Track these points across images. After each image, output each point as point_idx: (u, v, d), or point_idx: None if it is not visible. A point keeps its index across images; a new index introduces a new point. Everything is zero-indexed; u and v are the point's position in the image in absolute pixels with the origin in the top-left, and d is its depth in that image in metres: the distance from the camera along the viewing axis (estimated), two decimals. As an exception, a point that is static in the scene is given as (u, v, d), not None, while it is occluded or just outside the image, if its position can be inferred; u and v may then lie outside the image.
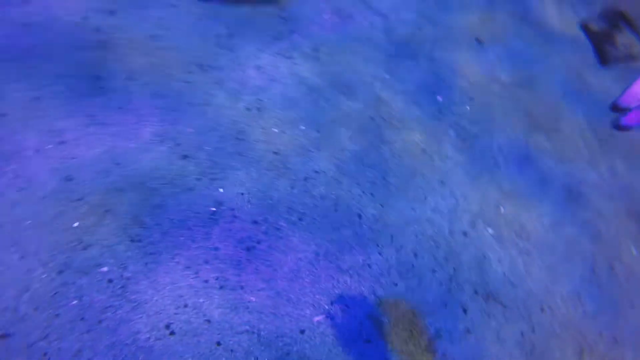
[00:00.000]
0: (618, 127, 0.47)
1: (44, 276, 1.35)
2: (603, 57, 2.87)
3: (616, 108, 0.55)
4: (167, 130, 1.70)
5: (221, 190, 1.62)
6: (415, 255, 1.71)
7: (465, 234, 1.81)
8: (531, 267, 1.81)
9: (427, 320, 1.56)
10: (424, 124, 2.08)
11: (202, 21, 2.07)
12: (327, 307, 1.50)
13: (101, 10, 1.90)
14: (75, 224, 1.44)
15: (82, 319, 1.33)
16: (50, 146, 1.55)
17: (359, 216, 1.74)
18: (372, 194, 1.82)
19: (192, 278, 1.44)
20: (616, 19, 2.96)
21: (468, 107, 2.18)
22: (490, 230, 1.85)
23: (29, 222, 1.42)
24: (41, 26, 1.77)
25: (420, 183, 1.89)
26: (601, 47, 2.89)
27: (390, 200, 1.82)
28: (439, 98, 2.10)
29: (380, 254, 1.68)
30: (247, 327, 1.40)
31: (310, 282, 1.54)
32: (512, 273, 1.76)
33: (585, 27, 3.01)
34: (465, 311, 1.62)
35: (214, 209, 1.58)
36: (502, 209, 1.91)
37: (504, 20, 2.87)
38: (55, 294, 1.34)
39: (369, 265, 1.64)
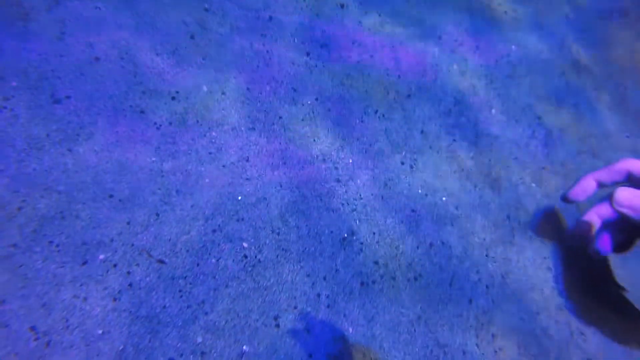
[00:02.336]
0: (595, 252, 0.48)
1: (202, 228, 1.59)
2: None
3: (566, 200, 0.51)
4: (330, 153, 1.91)
5: (358, 222, 1.75)
6: (513, 367, 1.62)
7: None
8: None
9: None
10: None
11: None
12: (413, 373, 1.49)
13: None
14: (239, 197, 1.68)
15: (214, 277, 1.52)
16: (244, 130, 1.86)
17: (470, 301, 1.72)
18: (487, 287, 1.79)
19: (308, 287, 1.56)
20: None
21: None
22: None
23: (207, 180, 1.70)
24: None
25: (531, 302, 1.81)
26: None
27: (504, 300, 1.76)
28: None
29: (477, 345, 1.63)
30: (338, 354, 1.46)
31: (404, 341, 1.56)
32: None
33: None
34: None
35: (346, 235, 1.71)
36: None
37: None
38: (202, 246, 1.57)
39: (464, 352, 1.60)
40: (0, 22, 1.77)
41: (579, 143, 2.31)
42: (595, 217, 0.46)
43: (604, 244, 0.44)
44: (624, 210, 0.42)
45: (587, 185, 0.47)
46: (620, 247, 0.43)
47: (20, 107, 1.61)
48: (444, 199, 1.94)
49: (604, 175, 0.48)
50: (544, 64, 2.57)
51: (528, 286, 1.79)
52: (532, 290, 1.78)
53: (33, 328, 1.28)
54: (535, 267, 1.85)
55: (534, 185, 2.10)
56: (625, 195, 0.42)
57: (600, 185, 0.48)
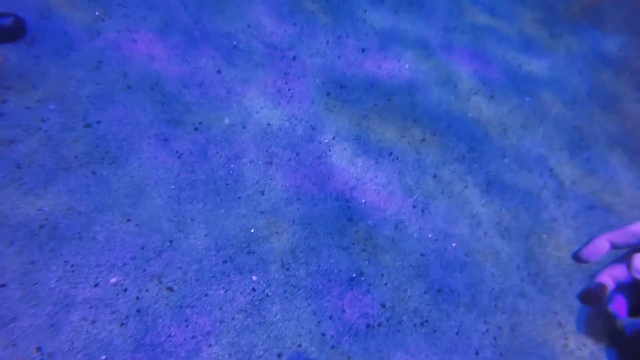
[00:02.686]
0: (610, 315, 0.41)
1: (213, 258, 1.61)
2: None
3: (578, 259, 0.48)
4: (343, 191, 1.95)
5: (367, 262, 1.76)
6: None
7: None
8: None
9: None
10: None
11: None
12: None
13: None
14: (252, 231, 1.71)
15: (221, 309, 1.53)
16: (261, 162, 1.91)
17: (477, 353, 1.68)
18: (494, 338, 1.75)
19: (314, 325, 1.56)
20: None
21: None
22: None
23: (222, 211, 1.73)
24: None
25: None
26: None
27: (512, 354, 1.72)
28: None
29: (483, 404, 1.58)
30: (339, 399, 1.43)
31: (408, 391, 1.52)
32: None
33: None
34: None
35: (354, 275, 1.71)
36: None
37: None
38: (212, 276, 1.58)
39: (469, 409, 1.55)
40: (47, 50, 1.90)
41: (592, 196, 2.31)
42: (609, 278, 0.46)
43: (620, 307, 0.44)
44: None
45: (601, 246, 0.47)
46: (635, 311, 0.43)
47: (54, 129, 1.69)
48: (453, 244, 1.94)
49: (618, 236, 0.48)
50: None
51: (538, 341, 1.75)
52: (542, 346, 1.74)
53: (39, 349, 1.29)
54: (545, 321, 1.82)
55: (545, 236, 2.09)
56: None
57: (614, 246, 0.48)
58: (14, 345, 1.28)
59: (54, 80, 1.80)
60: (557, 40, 3.10)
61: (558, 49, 3.04)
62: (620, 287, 0.45)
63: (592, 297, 0.44)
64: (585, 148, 2.53)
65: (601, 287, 0.44)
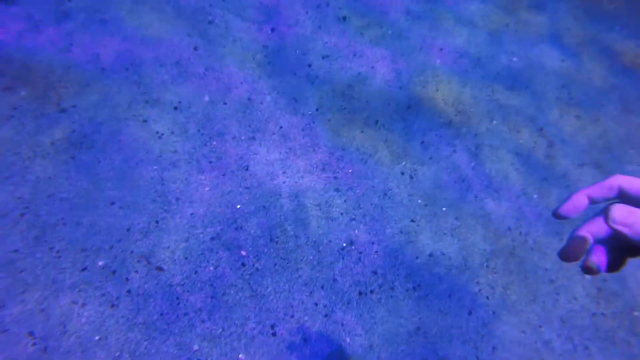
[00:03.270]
0: (591, 267, 0.40)
1: (200, 236, 1.61)
2: None
3: (557, 216, 0.47)
4: (330, 162, 1.93)
5: (356, 231, 1.75)
6: (514, 381, 1.59)
7: None
8: None
9: None
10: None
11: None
12: (411, 385, 1.47)
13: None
14: (238, 206, 1.69)
15: (212, 285, 1.53)
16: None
17: (470, 313, 1.70)
18: (487, 297, 1.77)
19: (306, 295, 1.56)
20: None
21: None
22: None
23: (207, 188, 1.71)
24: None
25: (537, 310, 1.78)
26: None
27: (504, 311, 1.74)
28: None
29: (477, 358, 1.61)
30: (334, 365, 1.45)
31: (402, 352, 1.54)
32: None
33: None
34: None
35: (344, 244, 1.71)
36: None
37: None
38: (201, 254, 1.58)
39: (463, 367, 1.58)
40: (10, 34, 1.83)
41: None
42: (587, 233, 0.45)
43: (601, 259, 0.43)
44: (620, 228, 0.42)
45: (579, 202, 0.45)
46: (612, 266, 0.42)
47: (27, 116, 1.65)
48: (444, 209, 1.93)
49: (595, 191, 0.47)
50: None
51: (530, 298, 1.77)
52: (534, 302, 1.76)
53: (31, 333, 1.29)
54: (536, 279, 1.83)
55: (535, 196, 2.09)
56: (622, 213, 0.42)
57: (592, 201, 0.47)
58: (5, 331, 1.28)
59: (22, 66, 1.74)
60: None
61: (545, 6, 2.96)
62: (598, 241, 0.44)
63: (572, 252, 0.43)
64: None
65: (580, 240, 0.43)
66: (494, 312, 1.74)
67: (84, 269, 1.44)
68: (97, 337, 1.34)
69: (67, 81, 1.79)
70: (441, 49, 2.47)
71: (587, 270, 0.40)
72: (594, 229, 0.43)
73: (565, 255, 0.43)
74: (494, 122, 2.28)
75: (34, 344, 1.28)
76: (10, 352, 1.24)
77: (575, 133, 2.35)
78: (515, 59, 2.58)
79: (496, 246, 1.92)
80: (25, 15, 1.91)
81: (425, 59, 2.40)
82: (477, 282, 1.79)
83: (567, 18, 2.91)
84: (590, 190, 0.44)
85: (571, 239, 0.42)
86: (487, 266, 1.85)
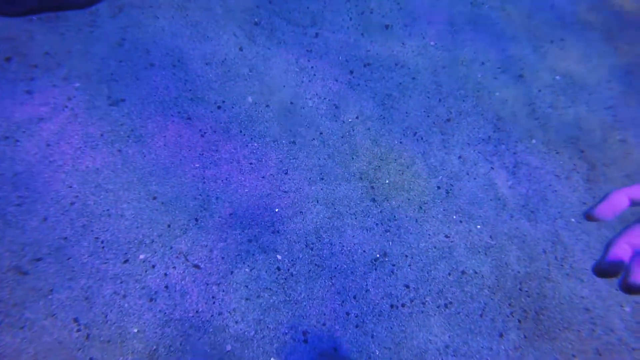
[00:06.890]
0: (631, 287, 0.32)
1: (238, 237, 1.63)
2: None
3: (591, 217, 0.40)
4: (367, 172, 1.92)
5: (390, 243, 1.75)
6: (543, 410, 1.55)
7: None
8: None
9: None
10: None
11: (428, 95, 2.32)
12: (438, 404, 1.46)
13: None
14: (277, 210, 1.71)
15: (247, 286, 1.55)
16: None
17: (501, 335, 1.67)
18: (519, 321, 1.74)
19: (338, 304, 1.57)
20: None
21: None
22: None
23: (247, 190, 1.73)
24: (317, 53, 2.20)
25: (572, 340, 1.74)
26: None
27: (536, 337, 1.71)
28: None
29: (505, 385, 1.58)
30: (363, 376, 1.45)
31: (431, 371, 1.53)
32: None
33: None
34: None
35: (378, 256, 1.71)
36: None
37: None
38: (237, 255, 1.60)
39: (492, 390, 1.56)
40: (70, 28, 1.89)
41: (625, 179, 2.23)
42: (627, 246, 0.39)
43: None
44: None
45: (618, 202, 0.38)
46: None
47: (80, 107, 1.71)
48: (478, 227, 1.91)
49: (638, 191, 0.41)
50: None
51: (564, 325, 1.73)
52: (568, 330, 1.72)
53: (76, 320, 1.34)
54: (571, 306, 1.79)
55: (573, 220, 2.04)
56: None
57: (633, 202, 0.41)
58: (53, 315, 1.33)
59: (79, 58, 1.80)
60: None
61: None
62: (638, 255, 0.38)
63: (608, 267, 0.37)
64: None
65: (616, 263, 0.37)
66: (525, 337, 1.71)
67: (126, 261, 1.48)
68: (135, 330, 1.38)
69: (119, 75, 1.83)
70: (483, 63, 2.43)
71: (626, 288, 0.35)
72: (634, 240, 0.36)
73: (601, 270, 0.37)
74: (533, 141, 2.23)
75: (78, 330, 1.32)
76: (57, 336, 1.29)
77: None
78: (557, 77, 2.52)
79: (530, 269, 1.89)
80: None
81: (467, 72, 2.37)
82: (510, 305, 1.76)
83: None
84: (632, 191, 0.38)
85: (607, 257, 0.34)
86: (520, 289, 1.81)
